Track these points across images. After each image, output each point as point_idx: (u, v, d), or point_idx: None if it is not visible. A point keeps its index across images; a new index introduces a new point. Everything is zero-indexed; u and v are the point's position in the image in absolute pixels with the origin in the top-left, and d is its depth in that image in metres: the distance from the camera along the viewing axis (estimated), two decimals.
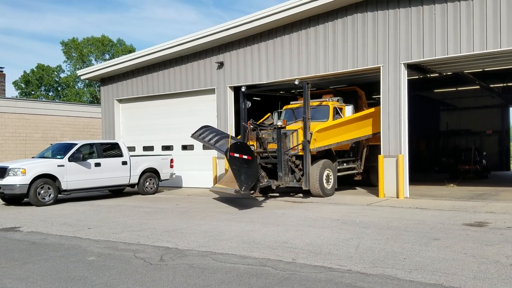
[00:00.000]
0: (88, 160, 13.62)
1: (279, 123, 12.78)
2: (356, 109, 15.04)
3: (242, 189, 10.86)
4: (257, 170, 11.60)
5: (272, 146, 12.99)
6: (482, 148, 24.00)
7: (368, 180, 15.78)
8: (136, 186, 15.19)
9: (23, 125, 26.48)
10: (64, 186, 13.02)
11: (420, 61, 12.63)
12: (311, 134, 12.48)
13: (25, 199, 13.13)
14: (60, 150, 13.87)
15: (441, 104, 28.10)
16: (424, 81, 18.63)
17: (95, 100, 63.49)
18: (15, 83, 62.97)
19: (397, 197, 12.52)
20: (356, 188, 15.61)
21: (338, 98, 14.59)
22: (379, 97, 13.41)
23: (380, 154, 13.15)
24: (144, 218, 10.09)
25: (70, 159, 13.17)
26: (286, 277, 5.27)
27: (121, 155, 14.63)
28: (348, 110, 14.40)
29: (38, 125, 27.11)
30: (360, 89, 16.37)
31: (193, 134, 13.04)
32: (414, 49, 12.51)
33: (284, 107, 15.02)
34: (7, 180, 12.26)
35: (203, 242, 7.25)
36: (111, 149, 14.60)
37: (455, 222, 8.60)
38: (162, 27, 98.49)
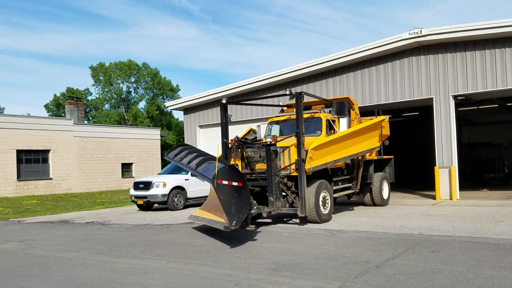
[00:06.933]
0: None
1: (269, 140, 11.05)
2: (350, 121, 13.38)
3: (233, 224, 8.96)
4: (249, 198, 9.61)
5: (261, 166, 11.26)
6: (502, 158, 27.58)
7: (361, 198, 14.95)
8: None
9: (99, 148, 30.38)
10: (189, 195, 16.79)
11: (465, 93, 16.37)
12: (307, 151, 10.83)
13: (155, 206, 16.90)
14: (179, 168, 17.60)
15: (462, 120, 31.78)
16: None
17: (121, 121, 67.75)
18: (46, 106, 67.31)
19: (451, 199, 16.12)
20: (353, 208, 14.74)
21: (331, 109, 13.36)
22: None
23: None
24: None
25: (192, 175, 16.89)
26: (426, 239, 8.88)
27: None
28: (343, 122, 12.71)
29: (111, 147, 30.99)
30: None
31: (167, 154, 12.03)
32: (459, 84, 16.24)
33: (269, 120, 13.82)
34: (153, 191, 15.99)
35: (346, 226, 10.85)
36: None
37: (506, 212, 12.21)
38: (163, 45, 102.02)
